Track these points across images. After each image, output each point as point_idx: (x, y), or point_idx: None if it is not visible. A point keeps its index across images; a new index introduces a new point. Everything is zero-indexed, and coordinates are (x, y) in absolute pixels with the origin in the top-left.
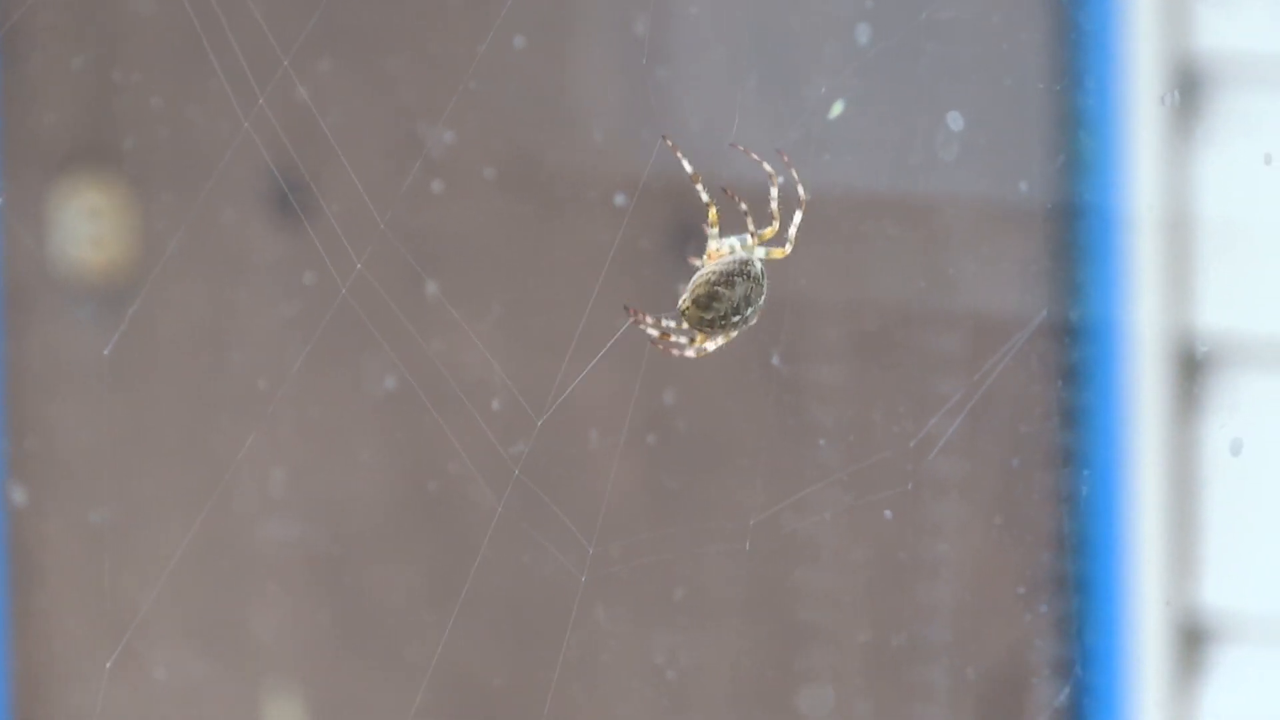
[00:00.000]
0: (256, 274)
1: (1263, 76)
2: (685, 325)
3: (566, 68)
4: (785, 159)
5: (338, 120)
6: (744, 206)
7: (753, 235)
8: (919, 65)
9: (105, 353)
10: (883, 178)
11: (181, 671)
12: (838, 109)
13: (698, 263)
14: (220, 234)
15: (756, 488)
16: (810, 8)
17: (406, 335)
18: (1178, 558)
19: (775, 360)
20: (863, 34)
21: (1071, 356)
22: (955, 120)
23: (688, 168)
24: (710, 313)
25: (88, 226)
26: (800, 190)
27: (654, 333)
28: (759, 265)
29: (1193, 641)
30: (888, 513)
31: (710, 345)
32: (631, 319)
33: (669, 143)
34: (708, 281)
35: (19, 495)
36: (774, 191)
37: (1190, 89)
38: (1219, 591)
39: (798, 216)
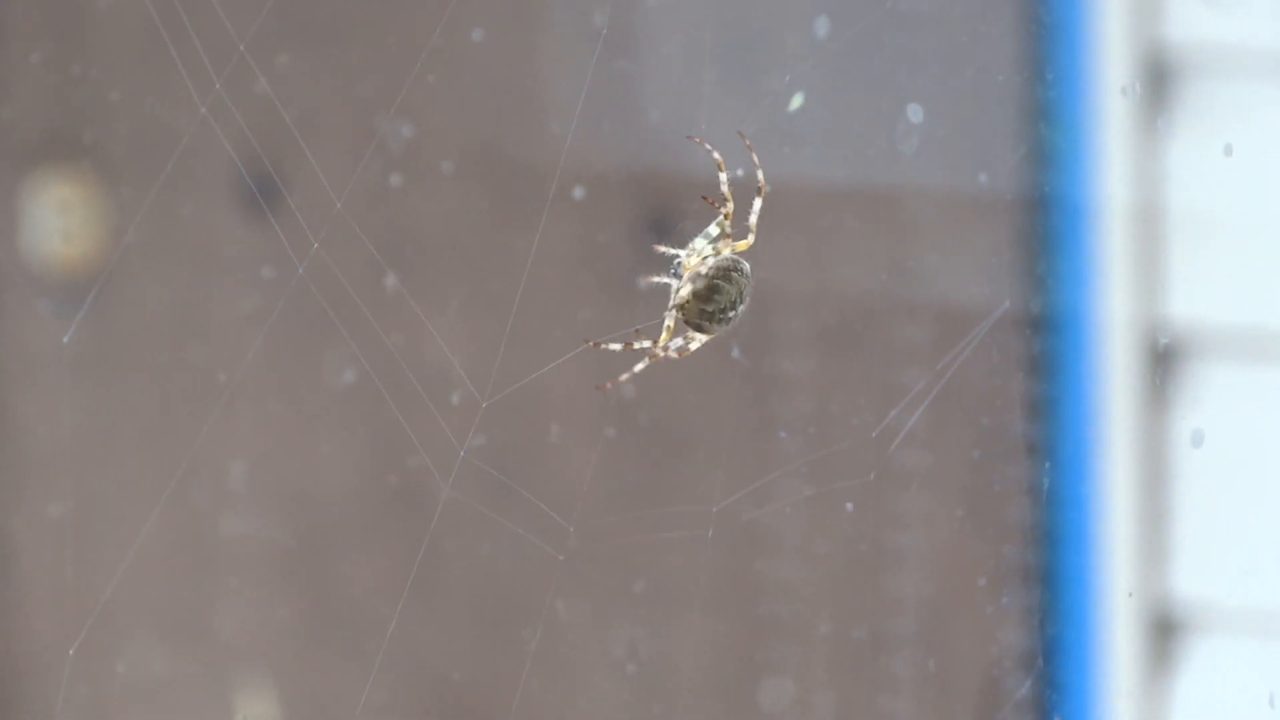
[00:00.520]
0: (219, 266)
1: (1225, 67)
2: (675, 319)
3: (525, 60)
4: (747, 143)
5: (299, 113)
6: (729, 208)
7: (724, 234)
8: (880, 57)
9: (65, 340)
10: (844, 169)
11: (145, 663)
12: (798, 101)
13: (668, 251)
14: (182, 226)
15: (718, 480)
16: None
17: (368, 328)
18: (1145, 549)
19: (736, 353)
20: (822, 26)
21: (1035, 348)
22: (916, 112)
23: (717, 156)
24: (711, 305)
25: (53, 220)
26: (760, 176)
27: (647, 343)
28: (747, 265)
29: (1163, 633)
30: (849, 505)
31: (694, 345)
32: (634, 339)
33: (697, 140)
34: (707, 275)
35: None
36: (723, 177)
37: (1153, 80)
38: (1189, 582)
39: (758, 204)
